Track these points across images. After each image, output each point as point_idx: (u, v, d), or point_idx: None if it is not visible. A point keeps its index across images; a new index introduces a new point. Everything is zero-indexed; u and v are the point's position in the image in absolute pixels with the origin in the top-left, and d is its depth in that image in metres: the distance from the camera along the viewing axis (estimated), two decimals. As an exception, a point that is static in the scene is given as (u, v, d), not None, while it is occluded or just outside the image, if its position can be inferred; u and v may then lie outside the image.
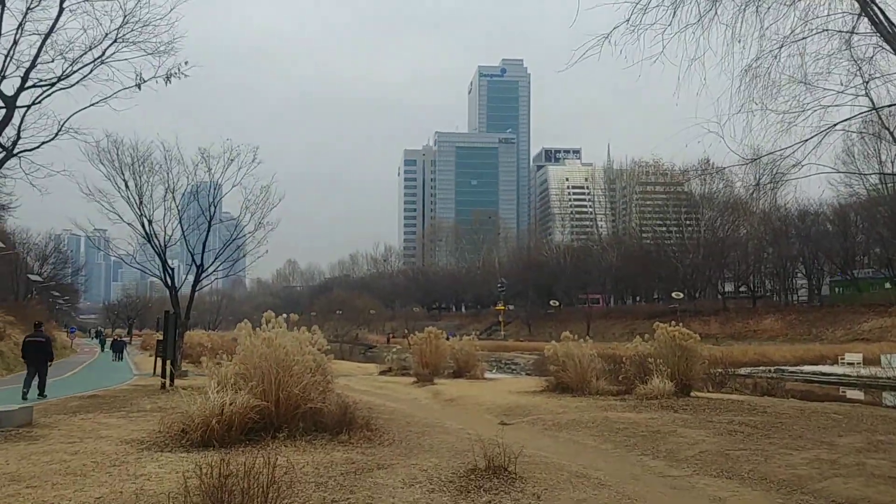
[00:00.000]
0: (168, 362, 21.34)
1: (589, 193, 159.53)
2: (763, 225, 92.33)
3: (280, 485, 6.49)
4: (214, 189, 27.11)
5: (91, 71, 16.60)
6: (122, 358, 47.31)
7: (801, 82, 11.45)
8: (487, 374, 30.02)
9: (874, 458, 10.10)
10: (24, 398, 18.61)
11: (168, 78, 16.10)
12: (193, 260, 27.12)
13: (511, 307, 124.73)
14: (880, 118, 10.68)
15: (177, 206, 26.42)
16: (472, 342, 28.90)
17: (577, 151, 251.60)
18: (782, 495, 8.58)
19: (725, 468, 10.00)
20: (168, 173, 25.97)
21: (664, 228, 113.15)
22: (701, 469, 10.08)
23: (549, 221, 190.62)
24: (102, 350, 63.00)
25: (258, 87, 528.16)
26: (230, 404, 10.67)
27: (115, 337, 60.60)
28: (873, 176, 78.02)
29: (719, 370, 23.78)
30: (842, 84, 11.35)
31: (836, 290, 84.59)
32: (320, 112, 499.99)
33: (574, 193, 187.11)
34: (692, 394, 17.82)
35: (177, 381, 22.02)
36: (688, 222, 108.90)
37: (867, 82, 11.31)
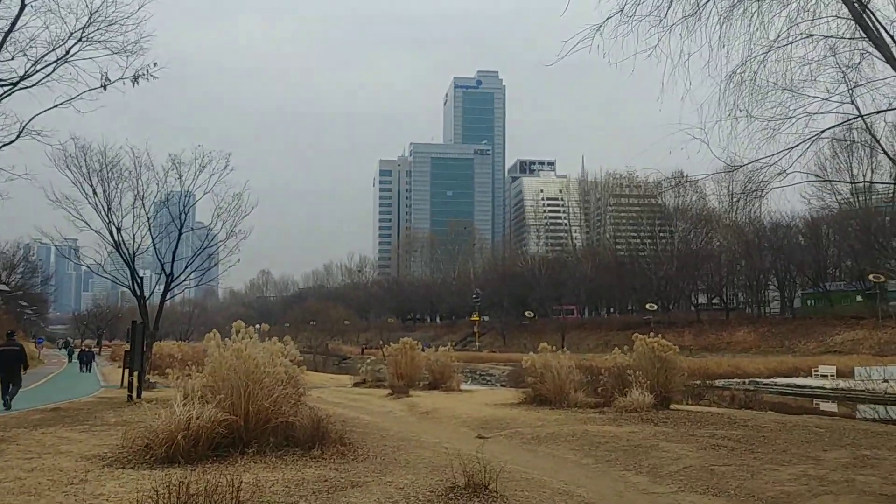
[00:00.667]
0: (135, 374, 20.68)
1: (563, 205, 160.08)
2: (736, 237, 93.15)
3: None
4: (185, 196, 26.52)
5: (54, 70, 16.01)
6: (90, 369, 46.24)
7: (786, 89, 11.25)
8: (463, 386, 29.60)
9: (863, 473, 9.85)
10: (8, 407, 18.65)
11: (136, 79, 15.53)
12: (163, 269, 26.47)
13: (486, 318, 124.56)
14: (867, 126, 10.49)
15: (146, 214, 25.84)
16: (447, 353, 28.49)
17: (551, 163, 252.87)
18: (772, 513, 8.30)
19: (711, 484, 9.71)
20: (137, 180, 25.39)
21: (638, 240, 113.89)
22: (686, 485, 9.77)
23: (524, 232, 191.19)
24: (70, 361, 61.62)
25: (236, 100, 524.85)
26: (196, 418, 10.17)
27: (83, 348, 59.30)
28: (845, 189, 79.09)
29: (697, 382, 23.63)
30: (828, 91, 11.17)
31: (809, 302, 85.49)
32: (295, 124, 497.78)
33: (549, 205, 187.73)
34: (671, 406, 17.58)
35: (145, 394, 21.39)
36: (661, 234, 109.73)
37: (852, 89, 11.14)
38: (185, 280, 28.04)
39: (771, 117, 11.18)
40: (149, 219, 25.89)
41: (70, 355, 66.50)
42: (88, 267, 29.15)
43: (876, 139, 10.40)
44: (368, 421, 17.29)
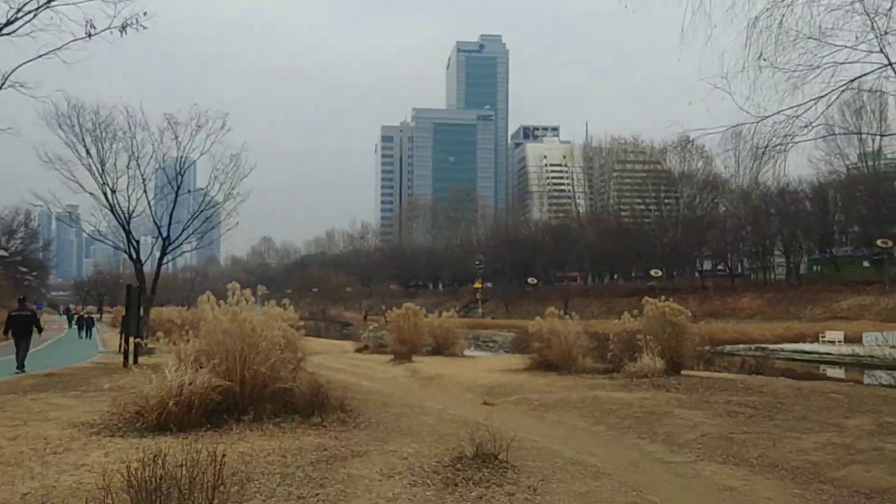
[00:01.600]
0: (132, 339, 20.22)
1: (567, 171, 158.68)
2: (742, 203, 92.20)
3: (230, 484, 5.51)
4: (182, 157, 25.85)
5: (34, 16, 15.21)
6: (90, 335, 45.95)
7: (811, 38, 10.57)
8: (466, 353, 29.20)
9: (891, 441, 9.33)
10: (22, 369, 19.69)
11: (124, 28, 14.77)
12: (160, 232, 25.87)
13: (489, 285, 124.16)
14: (896, 74, 9.82)
15: (141, 175, 25.16)
16: (451, 319, 28.04)
17: (555, 129, 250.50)
18: (799, 485, 7.79)
19: (731, 453, 9.21)
20: (132, 140, 24.69)
21: (643, 206, 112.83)
22: (705, 454, 9.28)
23: (528, 199, 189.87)
24: (70, 327, 61.40)
25: (236, 60, 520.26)
26: (189, 384, 9.67)
27: (82, 314, 59.00)
28: (853, 154, 78.03)
29: (707, 348, 23.15)
30: (856, 38, 10.47)
31: (815, 268, 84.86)
32: (297, 88, 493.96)
33: (552, 171, 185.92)
34: (682, 372, 17.08)
35: (143, 359, 20.94)
36: (666, 200, 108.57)
37: (882, 36, 10.44)
38: (182, 243, 27.45)
39: (796, 67, 10.52)
40: (144, 180, 25.26)
41: (70, 321, 66.28)
42: (84, 231, 28.54)
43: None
44: (370, 387, 16.84)
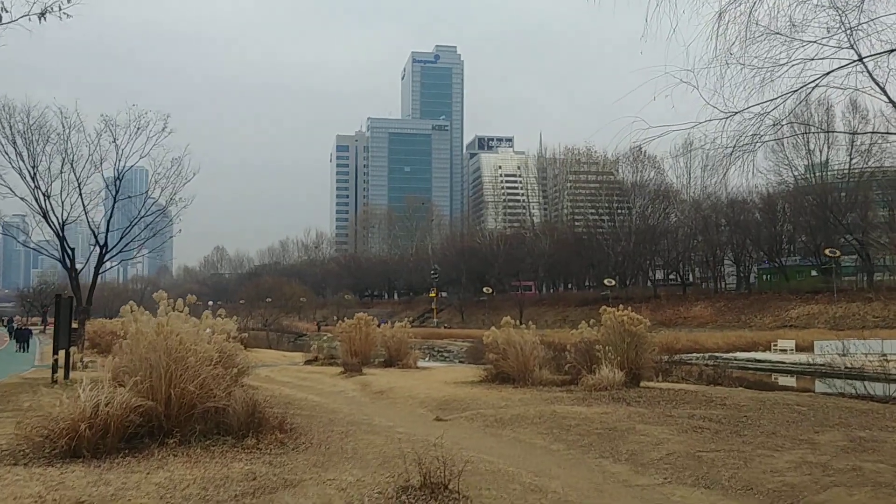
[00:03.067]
0: (63, 352, 18.90)
1: (522, 181, 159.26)
2: (693, 212, 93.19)
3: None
4: (119, 161, 24.53)
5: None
6: (27, 348, 43.87)
7: (778, 33, 10.03)
8: (420, 363, 28.30)
9: (868, 460, 8.77)
10: None
11: (43, 15, 13.60)
12: (96, 239, 24.52)
13: (444, 294, 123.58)
14: (867, 70, 9.32)
15: (77, 179, 23.84)
16: (404, 329, 27.12)
17: (509, 140, 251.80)
18: (777, 510, 7.13)
19: (701, 475, 8.53)
20: (66, 142, 23.35)
21: (596, 216, 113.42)
22: (673, 476, 8.59)
23: (483, 209, 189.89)
24: (11, 339, 58.82)
25: (190, 70, 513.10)
26: (106, 404, 8.66)
27: (21, 325, 56.58)
28: (801, 165, 79.33)
29: (664, 358, 22.66)
30: (828, 31, 9.97)
31: (765, 277, 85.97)
32: (252, 98, 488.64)
33: (507, 181, 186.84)
34: (642, 384, 16.49)
35: (75, 374, 19.62)
36: (619, 210, 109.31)
37: (852, 31, 9.96)
38: (121, 251, 26.09)
39: (763, 63, 9.95)
40: (79, 184, 23.94)
41: (11, 333, 63.55)
42: (16, 239, 26.96)
43: (879, 84, 9.21)
44: (317, 402, 15.90)
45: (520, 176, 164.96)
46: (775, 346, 47.10)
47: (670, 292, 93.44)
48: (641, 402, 13.96)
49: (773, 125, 9.20)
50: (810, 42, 9.97)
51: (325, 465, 8.33)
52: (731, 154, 9.26)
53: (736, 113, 9.03)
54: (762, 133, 9.73)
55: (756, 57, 9.98)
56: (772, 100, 9.07)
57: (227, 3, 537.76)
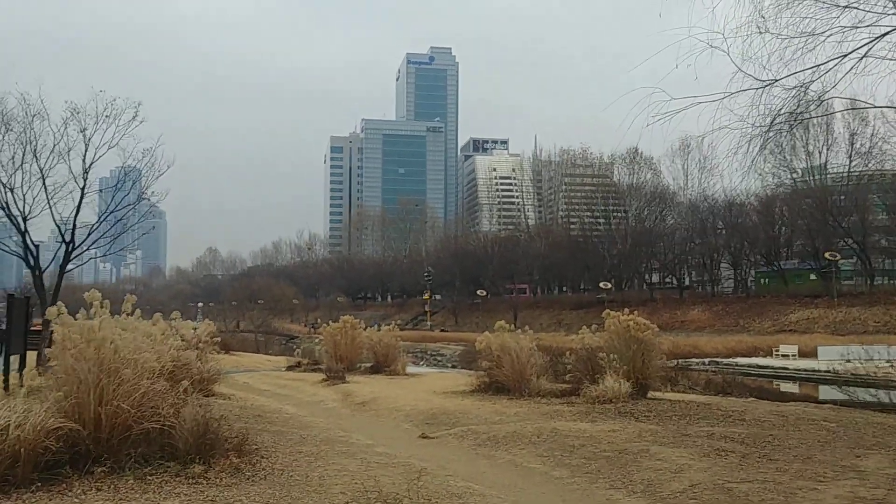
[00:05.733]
0: (14, 358, 17.32)
1: (516, 183, 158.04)
2: (690, 215, 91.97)
3: None
4: (86, 152, 22.94)
5: None
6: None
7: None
8: (411, 369, 26.83)
9: (935, 495, 7.33)
10: None
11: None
12: (62, 236, 22.96)
13: (438, 297, 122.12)
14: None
15: (40, 170, 22.28)
16: (392, 333, 25.58)
17: (504, 142, 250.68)
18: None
19: (735, 513, 7.08)
20: (28, 129, 21.80)
21: (592, 218, 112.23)
22: (702, 515, 7.13)
23: (477, 211, 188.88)
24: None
25: (186, 69, 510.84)
26: (17, 427, 7.16)
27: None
28: (800, 167, 78.17)
29: (670, 365, 21.25)
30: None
31: (763, 281, 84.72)
32: (245, 98, 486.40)
33: (501, 183, 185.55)
34: (649, 395, 15.05)
35: (38, 381, 18.08)
36: (615, 212, 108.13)
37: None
38: (88, 249, 24.54)
39: (797, 33, 8.48)
40: (43, 175, 22.38)
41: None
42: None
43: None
44: (291, 414, 14.40)
45: (514, 178, 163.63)
46: (777, 351, 45.75)
47: (667, 296, 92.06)
48: (652, 418, 12.51)
49: (818, 99, 7.74)
50: (852, 7, 8.52)
51: (280, 502, 6.86)
52: (767, 132, 7.78)
53: (775, 81, 7.63)
54: (801, 109, 8.28)
55: (787, 26, 8.55)
56: (815, 66, 7.63)
57: (219, 4, 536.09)
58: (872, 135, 73.54)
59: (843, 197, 74.27)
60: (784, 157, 77.74)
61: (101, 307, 8.41)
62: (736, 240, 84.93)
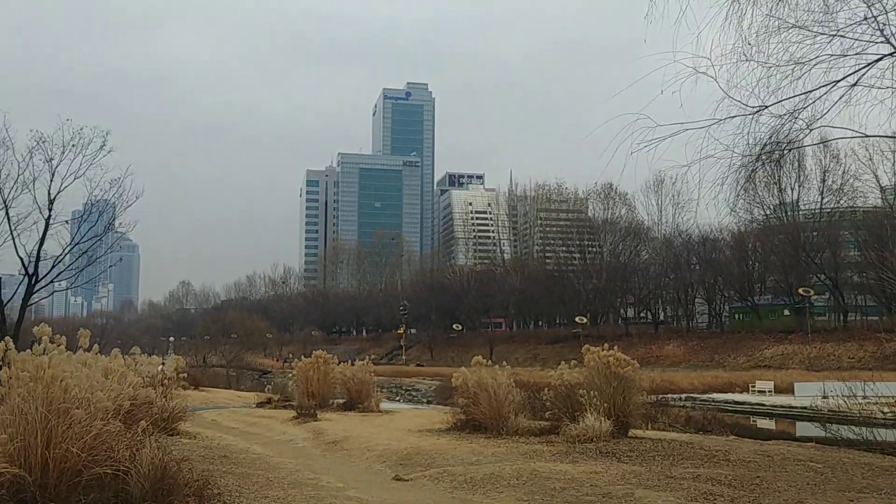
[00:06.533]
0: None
1: (492, 218, 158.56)
2: (665, 250, 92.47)
3: None
4: (51, 183, 22.31)
5: None
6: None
7: (800, 27, 8.43)
8: (385, 405, 26.16)
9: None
10: None
11: None
12: (25, 268, 22.21)
13: (413, 331, 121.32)
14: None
15: (3, 200, 21.56)
16: (366, 367, 24.92)
17: (480, 176, 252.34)
18: None
19: (729, 565, 6.65)
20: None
21: (567, 253, 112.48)
22: (694, 567, 6.69)
23: (453, 245, 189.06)
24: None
25: (162, 106, 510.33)
26: (-47, 474, 6.59)
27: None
28: (773, 202, 79.00)
29: (649, 401, 20.84)
30: (861, 19, 8.39)
31: (737, 316, 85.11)
32: (222, 133, 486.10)
33: (477, 218, 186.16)
34: (630, 433, 14.62)
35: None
36: (590, 247, 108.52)
37: (885, 23, 8.38)
38: (52, 282, 23.74)
39: (783, 61, 8.28)
40: (6, 205, 21.66)
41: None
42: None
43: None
44: (258, 455, 13.76)
45: (490, 212, 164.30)
46: (753, 387, 45.61)
47: (642, 330, 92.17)
48: (634, 458, 12.08)
49: (807, 127, 7.49)
50: (840, 35, 8.35)
51: (241, 556, 6.32)
52: (756, 160, 7.51)
53: (764, 108, 7.35)
54: (791, 137, 8.03)
55: (774, 53, 8.36)
56: (806, 92, 7.39)
57: (196, 42, 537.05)
58: (844, 172, 74.65)
59: (815, 233, 75.04)
60: (756, 192, 78.61)
61: (52, 342, 7.86)
62: (710, 275, 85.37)
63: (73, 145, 21.52)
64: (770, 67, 8.20)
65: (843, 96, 7.52)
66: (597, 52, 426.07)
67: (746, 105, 7.37)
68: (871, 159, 69.32)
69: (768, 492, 9.53)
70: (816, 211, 77.74)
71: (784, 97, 7.32)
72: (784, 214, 79.14)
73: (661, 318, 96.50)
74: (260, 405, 26.87)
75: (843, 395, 21.79)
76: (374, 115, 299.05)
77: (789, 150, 7.89)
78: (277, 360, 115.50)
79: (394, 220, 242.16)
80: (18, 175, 21.66)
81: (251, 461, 12.72)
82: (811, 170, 77.38)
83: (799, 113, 7.42)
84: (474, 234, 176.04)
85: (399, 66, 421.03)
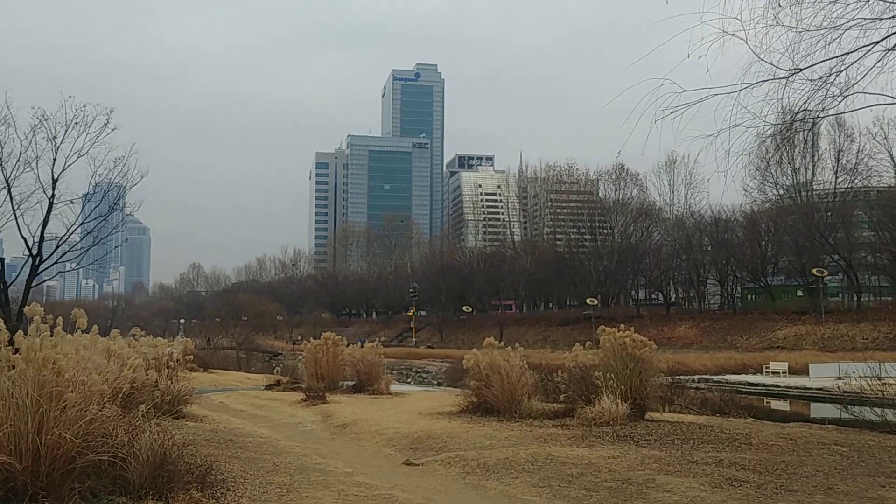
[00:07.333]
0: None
1: (502, 200, 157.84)
2: (677, 231, 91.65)
3: None
4: (56, 160, 21.96)
5: None
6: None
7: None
8: (395, 387, 25.86)
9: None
10: None
11: None
12: (28, 248, 21.91)
13: (423, 313, 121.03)
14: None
15: (6, 179, 21.26)
16: (376, 349, 24.58)
17: (489, 158, 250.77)
18: None
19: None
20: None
21: (577, 234, 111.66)
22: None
23: (463, 227, 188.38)
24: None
25: (171, 84, 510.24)
26: (-62, 461, 6.24)
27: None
28: (786, 183, 78.05)
29: (665, 383, 20.40)
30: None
31: (749, 297, 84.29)
32: (232, 114, 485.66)
33: (487, 200, 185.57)
34: (647, 415, 14.22)
35: None
36: (601, 228, 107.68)
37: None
38: (58, 262, 23.46)
39: (814, 26, 7.75)
40: (9, 184, 21.34)
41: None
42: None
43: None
44: (266, 438, 13.45)
45: (500, 194, 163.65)
46: (767, 368, 45.08)
47: (653, 312, 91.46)
48: (653, 442, 11.68)
49: (840, 94, 6.98)
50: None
51: (241, 549, 5.96)
52: (791, 125, 7.01)
53: (798, 70, 6.82)
54: (826, 103, 7.51)
55: (805, 18, 7.82)
56: (842, 55, 6.87)
57: (208, 23, 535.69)
58: (858, 151, 73.63)
59: (829, 213, 74.09)
60: (770, 172, 77.73)
61: (44, 323, 7.49)
62: (722, 256, 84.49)
63: (76, 123, 21.19)
64: (801, 32, 7.70)
65: (878, 62, 7.01)
66: (611, 36, 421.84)
67: (778, 67, 6.89)
68: (885, 138, 68.36)
69: (795, 477, 9.12)
70: (830, 191, 76.77)
71: (819, 60, 6.83)
72: (797, 194, 78.22)
73: (673, 299, 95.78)
74: (269, 387, 26.61)
75: (863, 377, 21.31)
76: (383, 96, 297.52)
77: (825, 118, 7.41)
78: (288, 342, 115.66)
79: (403, 203, 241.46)
80: (21, 153, 21.37)
81: (257, 445, 12.40)
82: (825, 149, 76.43)
83: (833, 78, 6.94)
84: (484, 215, 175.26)
85: (410, 50, 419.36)
